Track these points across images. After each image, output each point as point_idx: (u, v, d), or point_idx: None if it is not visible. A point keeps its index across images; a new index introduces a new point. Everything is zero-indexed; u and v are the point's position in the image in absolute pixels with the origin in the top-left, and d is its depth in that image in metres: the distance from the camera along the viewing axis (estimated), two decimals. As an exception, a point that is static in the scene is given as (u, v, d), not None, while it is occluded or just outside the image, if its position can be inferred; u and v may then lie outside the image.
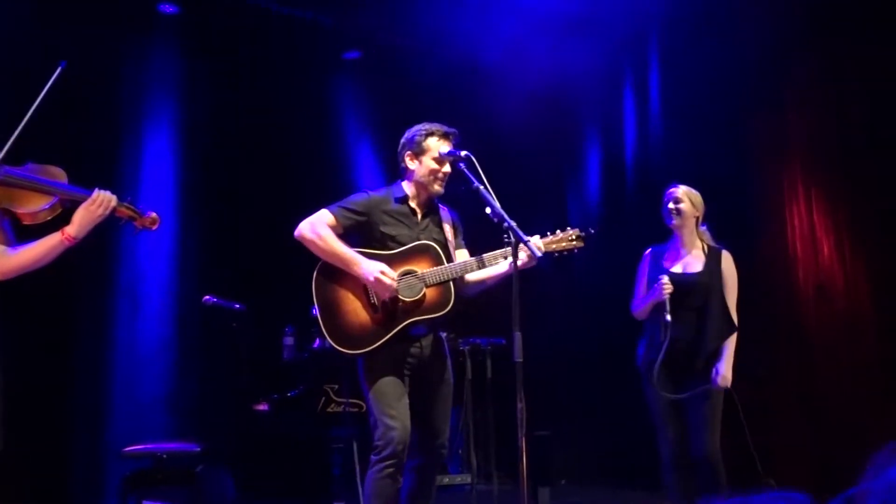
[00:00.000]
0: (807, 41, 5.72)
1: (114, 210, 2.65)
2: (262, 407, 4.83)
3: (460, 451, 5.18)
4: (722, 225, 4.50)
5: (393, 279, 3.34)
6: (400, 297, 3.37)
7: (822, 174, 5.78)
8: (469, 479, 5.14)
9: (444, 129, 3.58)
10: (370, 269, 3.34)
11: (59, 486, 5.40)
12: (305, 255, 3.54)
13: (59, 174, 2.65)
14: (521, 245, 3.21)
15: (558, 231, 3.53)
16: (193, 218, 6.03)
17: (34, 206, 2.53)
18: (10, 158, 2.49)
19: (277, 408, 4.74)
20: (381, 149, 6.72)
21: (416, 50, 6.71)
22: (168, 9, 6.00)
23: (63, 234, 2.58)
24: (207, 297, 4.64)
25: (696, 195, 4.25)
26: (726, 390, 4.08)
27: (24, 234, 2.70)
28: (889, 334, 5.31)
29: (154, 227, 2.76)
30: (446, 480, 5.33)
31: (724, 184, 5.41)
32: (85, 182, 2.69)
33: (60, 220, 2.65)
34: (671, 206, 4.20)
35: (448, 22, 5.99)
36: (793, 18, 5.71)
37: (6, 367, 2.55)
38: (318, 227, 3.43)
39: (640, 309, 4.19)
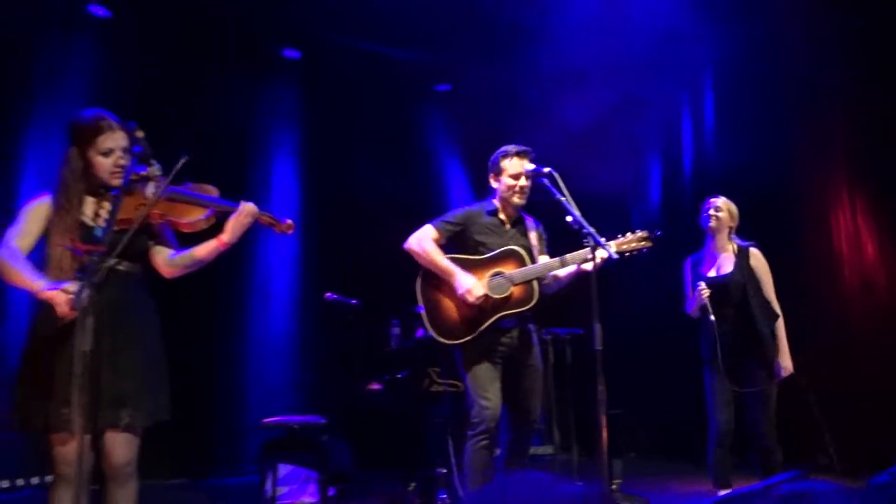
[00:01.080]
0: (848, 52, 5.48)
1: (256, 218, 2.70)
2: (376, 387, 4.90)
3: (543, 427, 5.15)
4: (771, 229, 4.38)
5: (477, 298, 3.39)
6: (490, 295, 3.41)
7: (865, 178, 5.55)
8: (550, 451, 5.11)
9: (518, 148, 3.60)
10: (462, 283, 3.40)
11: (207, 454, 5.60)
12: (411, 261, 3.62)
13: (213, 190, 2.70)
14: (598, 248, 3.21)
15: (628, 233, 3.51)
16: (314, 227, 6.19)
17: (193, 217, 2.59)
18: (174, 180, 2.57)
19: (389, 388, 4.80)
20: (468, 168, 6.77)
21: (503, 80, 6.73)
22: (291, 53, 6.21)
23: (219, 241, 2.64)
24: (328, 294, 4.72)
25: (734, 207, 4.20)
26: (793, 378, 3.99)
27: (182, 240, 2.80)
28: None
29: (290, 232, 2.81)
30: (531, 451, 5.31)
31: (774, 190, 5.27)
32: (230, 197, 2.76)
33: (210, 229, 2.71)
34: (711, 212, 4.13)
35: (528, 56, 6.00)
36: (833, 31, 5.49)
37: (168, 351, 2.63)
38: (423, 242, 3.51)
39: (691, 311, 4.15)
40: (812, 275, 5.51)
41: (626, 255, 3.47)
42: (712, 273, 4.10)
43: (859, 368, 5.31)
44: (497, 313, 3.42)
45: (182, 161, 2.45)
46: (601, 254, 3.26)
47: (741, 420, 4.03)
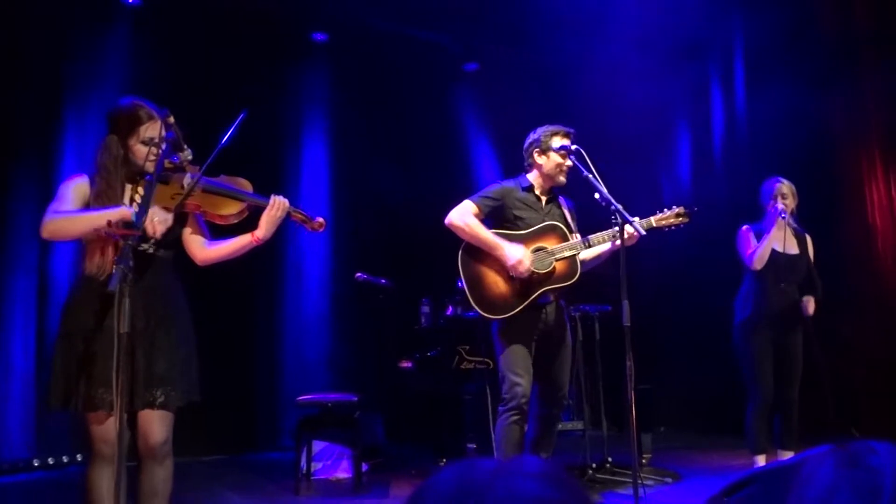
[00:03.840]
0: (883, 20, 5.32)
1: (289, 214, 2.69)
2: (407, 364, 4.92)
3: (572, 403, 5.14)
4: (807, 204, 4.32)
5: (527, 268, 3.37)
6: (533, 269, 3.39)
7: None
8: (581, 426, 5.10)
9: (566, 129, 3.58)
10: (512, 254, 3.37)
11: (245, 430, 5.69)
12: (440, 239, 3.61)
13: (246, 184, 2.68)
14: (627, 225, 3.19)
15: (666, 209, 3.47)
16: (346, 209, 6.21)
17: (227, 210, 2.58)
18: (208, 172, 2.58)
19: (419, 365, 4.82)
20: (497, 147, 6.72)
21: (531, 61, 6.66)
22: (319, 37, 6.20)
23: (253, 237, 2.63)
24: (359, 273, 4.74)
25: (794, 189, 4.20)
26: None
27: (214, 231, 2.81)
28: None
29: (321, 230, 2.79)
30: (561, 426, 5.31)
31: (807, 167, 5.16)
32: (262, 189, 2.74)
33: (244, 222, 2.70)
34: (782, 201, 4.12)
35: (557, 33, 5.92)
36: (866, 13, 5.34)
37: (200, 333, 2.66)
38: (465, 217, 3.47)
39: (761, 251, 4.10)
40: (846, 248, 5.41)
41: (666, 229, 3.47)
42: (779, 248, 4.16)
43: (892, 338, 5.24)
44: (540, 288, 3.40)
45: (241, 116, 2.46)
46: (631, 230, 3.23)
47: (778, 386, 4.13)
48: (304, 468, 4.50)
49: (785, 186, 4.16)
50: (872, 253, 5.43)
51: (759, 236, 4.16)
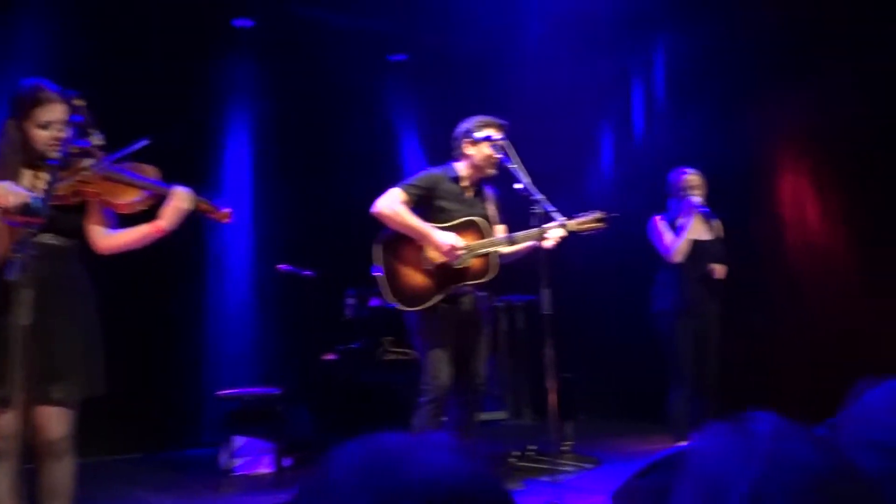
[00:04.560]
0: (789, 30, 5.56)
1: (196, 205, 2.63)
2: (331, 356, 4.88)
3: (497, 393, 5.19)
4: (722, 195, 4.48)
5: (462, 251, 3.36)
6: (450, 265, 3.40)
7: (808, 147, 5.68)
8: (504, 416, 5.16)
9: (498, 121, 3.59)
10: (443, 239, 3.37)
11: (163, 427, 5.51)
12: (366, 230, 3.58)
13: (151, 171, 2.62)
14: (550, 228, 3.27)
15: (585, 214, 3.52)
16: (269, 198, 6.09)
17: (126, 198, 2.52)
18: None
19: (344, 357, 4.78)
20: (425, 137, 6.71)
21: (460, 53, 6.66)
22: (242, 23, 6.04)
23: (155, 227, 2.58)
24: (280, 265, 4.67)
25: (702, 178, 4.34)
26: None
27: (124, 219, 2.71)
28: (870, 287, 5.22)
29: (227, 221, 2.74)
30: (485, 416, 5.35)
31: (722, 161, 5.35)
32: (182, 180, 2.67)
33: (156, 209, 2.63)
34: (694, 191, 4.24)
35: (476, 25, 5.95)
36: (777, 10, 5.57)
37: (109, 322, 2.57)
38: (394, 205, 3.43)
39: (680, 244, 4.21)
40: (758, 240, 5.65)
41: (584, 234, 3.51)
42: (695, 237, 4.31)
43: (804, 323, 5.50)
44: (457, 282, 3.42)
45: (141, 145, 2.39)
46: (556, 233, 3.31)
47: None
48: (224, 464, 4.39)
49: (693, 177, 4.30)
50: (782, 244, 5.69)
51: (673, 226, 4.28)
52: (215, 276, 5.88)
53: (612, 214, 3.53)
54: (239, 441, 4.54)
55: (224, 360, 5.75)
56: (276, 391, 4.31)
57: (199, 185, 2.80)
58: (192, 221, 2.76)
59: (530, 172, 3.43)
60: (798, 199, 5.71)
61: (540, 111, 5.97)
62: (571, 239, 3.65)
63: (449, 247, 3.34)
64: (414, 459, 0.71)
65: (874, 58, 5.02)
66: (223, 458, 4.33)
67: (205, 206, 2.65)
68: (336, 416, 5.25)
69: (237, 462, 4.54)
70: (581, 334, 6.33)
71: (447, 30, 6.35)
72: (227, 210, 2.69)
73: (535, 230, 3.39)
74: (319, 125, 6.23)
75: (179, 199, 2.57)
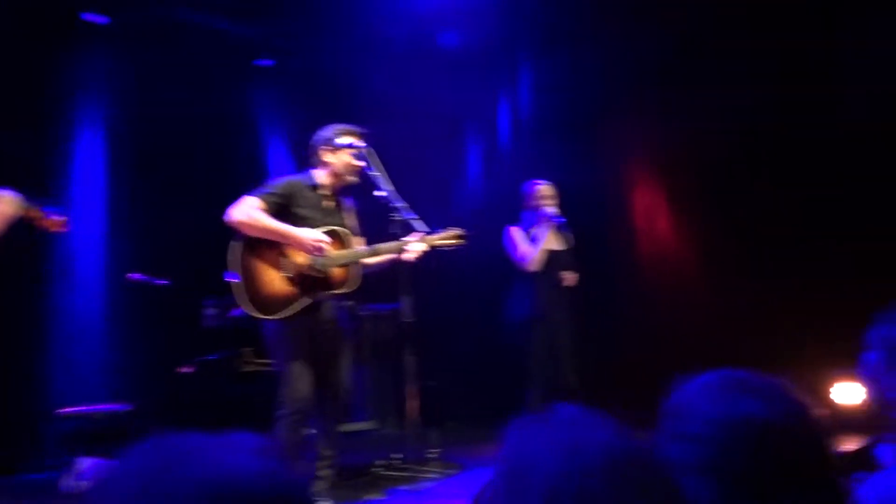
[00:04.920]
0: (638, 55, 5.92)
1: (24, 211, 2.46)
2: (187, 369, 4.67)
3: (364, 402, 5.14)
4: (580, 206, 4.68)
5: (328, 245, 3.30)
6: (311, 273, 3.34)
7: (660, 159, 6.05)
8: (370, 425, 5.12)
9: (358, 128, 3.57)
10: (307, 235, 3.29)
11: (3, 448, 5.08)
12: (227, 238, 3.46)
13: None
14: (411, 242, 3.29)
15: (445, 229, 3.58)
16: (124, 204, 5.77)
17: None
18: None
19: (200, 369, 4.59)
20: (290, 144, 6.59)
21: (326, 60, 6.60)
22: (95, 18, 5.70)
23: None
24: (132, 274, 4.45)
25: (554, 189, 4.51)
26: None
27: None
28: (711, 293, 5.61)
29: (61, 230, 2.57)
30: (352, 427, 5.30)
31: (579, 175, 5.59)
32: (9, 182, 2.49)
33: None
34: (550, 201, 4.39)
35: (345, 35, 5.92)
36: (623, 35, 5.92)
37: None
38: (250, 211, 3.33)
39: (536, 254, 4.34)
40: (612, 249, 5.95)
41: (441, 250, 3.56)
42: (550, 247, 4.44)
43: (653, 328, 5.82)
44: (318, 292, 3.36)
45: None
46: (417, 247, 3.34)
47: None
48: (67, 488, 4.10)
49: (546, 188, 4.48)
50: (635, 254, 6.02)
51: (528, 236, 4.43)
52: (62, 285, 5.49)
53: (469, 233, 3.61)
54: (84, 462, 4.25)
55: (73, 377, 5.36)
56: (126, 407, 4.06)
57: (41, 190, 2.61)
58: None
59: (396, 183, 3.44)
60: (649, 211, 6.07)
61: (408, 122, 6.01)
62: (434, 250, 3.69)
63: (314, 241, 3.28)
64: (203, 460, 0.68)
65: (711, 88, 5.42)
66: (65, 482, 4.04)
67: (34, 212, 2.47)
68: (192, 432, 5.03)
69: (82, 485, 4.24)
70: (447, 342, 6.40)
71: (316, 37, 6.28)
72: (59, 218, 2.52)
73: (396, 243, 3.40)
74: (180, 129, 5.96)
75: (4, 205, 2.39)
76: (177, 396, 4.98)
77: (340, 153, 3.50)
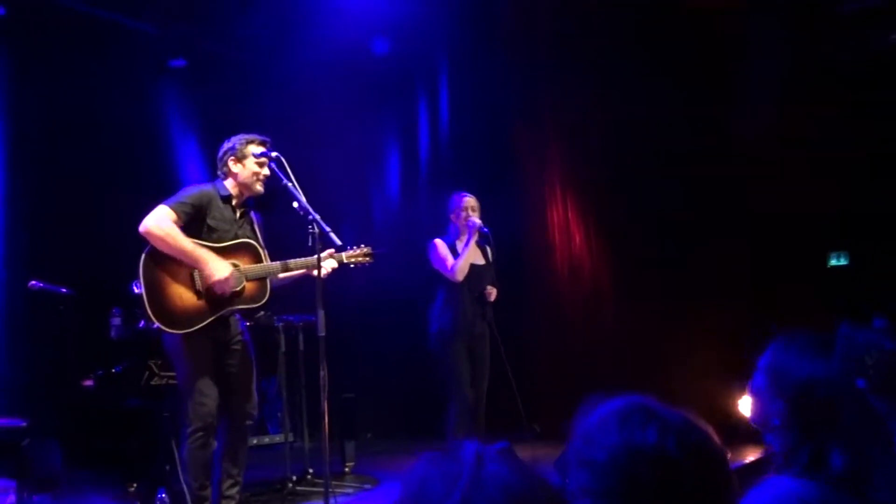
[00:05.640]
0: (559, 66, 6.06)
1: None
2: (88, 382, 4.47)
3: (279, 415, 5.04)
4: (495, 217, 4.72)
5: (232, 286, 3.26)
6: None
7: (576, 176, 6.21)
8: (283, 438, 5.02)
9: (261, 137, 3.53)
10: (217, 270, 3.24)
11: None
12: (134, 245, 3.34)
13: None
14: (323, 258, 3.26)
15: (355, 247, 3.59)
16: (24, 209, 5.46)
17: None
18: None
19: (102, 383, 4.40)
20: (204, 148, 6.39)
21: (241, 63, 6.47)
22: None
23: None
24: (33, 282, 4.24)
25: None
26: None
27: None
28: (623, 307, 5.77)
29: None
30: (266, 440, 5.18)
31: (498, 189, 5.67)
32: None
33: None
34: (474, 213, 4.42)
35: (260, 38, 5.83)
36: (544, 47, 6.06)
37: None
38: (164, 226, 3.23)
39: (461, 264, 4.35)
40: (528, 262, 6.05)
41: (352, 266, 3.58)
42: (473, 261, 4.47)
43: (566, 341, 5.95)
44: (228, 306, 3.31)
45: None
46: (329, 264, 3.33)
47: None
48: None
49: (472, 199, 4.53)
50: (550, 267, 6.14)
51: (453, 248, 4.45)
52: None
53: (380, 251, 3.64)
54: (-26, 482, 3.99)
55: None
56: (20, 423, 3.85)
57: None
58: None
59: (311, 193, 3.41)
60: (563, 226, 6.22)
61: (325, 130, 5.97)
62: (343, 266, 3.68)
63: (223, 279, 3.23)
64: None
65: (625, 103, 5.60)
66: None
67: None
68: (92, 448, 4.80)
69: (-29, 506, 3.99)
70: (364, 354, 6.37)
71: (229, 38, 6.15)
72: None
73: (309, 259, 3.38)
74: (86, 130, 5.70)
75: None
76: (75, 411, 4.75)
77: (245, 162, 3.46)
